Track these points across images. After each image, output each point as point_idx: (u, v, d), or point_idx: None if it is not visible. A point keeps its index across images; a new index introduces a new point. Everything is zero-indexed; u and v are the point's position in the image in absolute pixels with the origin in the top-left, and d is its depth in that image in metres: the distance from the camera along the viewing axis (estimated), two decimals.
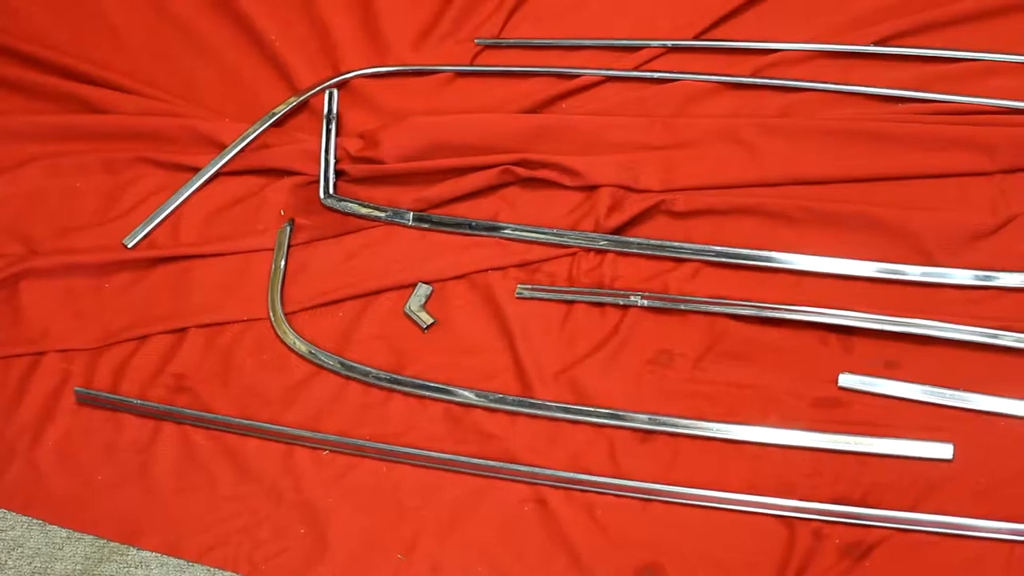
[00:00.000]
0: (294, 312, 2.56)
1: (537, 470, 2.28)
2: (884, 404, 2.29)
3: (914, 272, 2.44)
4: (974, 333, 2.32)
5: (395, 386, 2.43)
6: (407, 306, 2.52)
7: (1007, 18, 2.68)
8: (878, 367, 2.32)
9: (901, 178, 2.54)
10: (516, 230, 2.59)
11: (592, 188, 2.60)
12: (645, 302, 2.44)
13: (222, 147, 2.77)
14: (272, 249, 2.64)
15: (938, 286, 2.43)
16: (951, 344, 2.33)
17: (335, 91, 2.79)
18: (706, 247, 2.50)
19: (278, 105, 2.82)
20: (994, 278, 2.40)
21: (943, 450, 2.22)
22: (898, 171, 2.54)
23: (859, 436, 2.25)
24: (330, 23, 2.89)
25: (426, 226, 2.64)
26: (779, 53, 2.70)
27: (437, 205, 2.67)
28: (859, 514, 2.17)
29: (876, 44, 2.68)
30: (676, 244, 2.52)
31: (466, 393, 2.39)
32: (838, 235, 2.49)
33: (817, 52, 2.69)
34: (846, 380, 2.31)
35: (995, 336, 2.31)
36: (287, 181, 2.74)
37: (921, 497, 2.18)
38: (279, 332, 2.53)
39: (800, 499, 2.19)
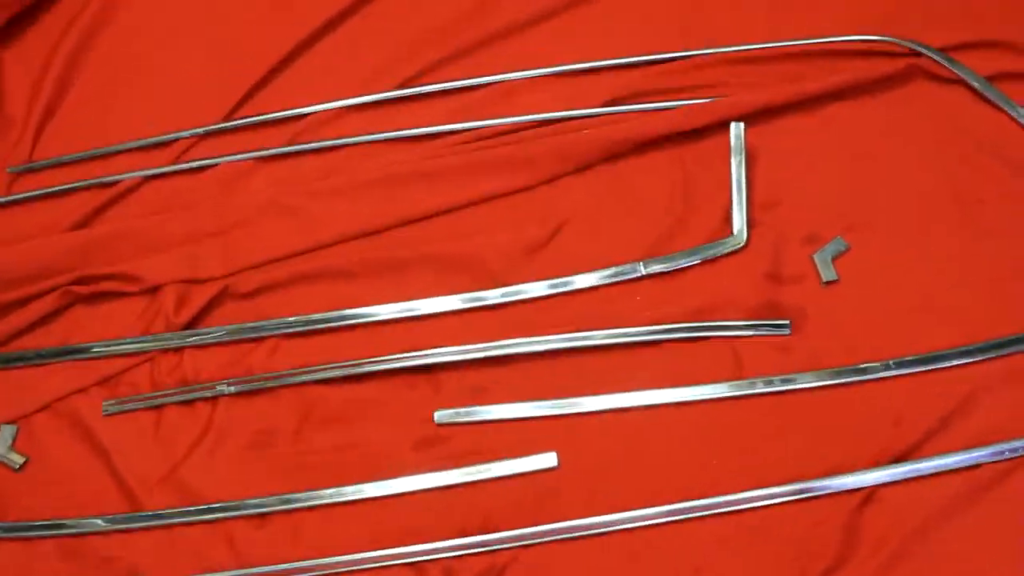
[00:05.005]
0: None
1: None
2: (483, 430, 2.34)
3: (493, 295, 2.48)
4: (554, 341, 2.38)
5: None
6: None
7: (516, 39, 2.75)
8: (467, 396, 2.37)
9: (455, 209, 2.58)
10: (90, 348, 2.53)
11: (156, 289, 2.57)
12: (232, 388, 2.43)
13: None
14: None
15: (519, 303, 2.48)
16: (535, 357, 2.39)
17: None
18: (280, 320, 2.49)
19: None
20: (568, 283, 2.47)
21: (548, 460, 2.28)
22: (450, 203, 2.58)
23: (466, 467, 2.29)
24: None
25: None
26: (311, 116, 2.70)
27: (3, 343, 2.57)
28: (483, 541, 2.22)
29: (401, 87, 2.72)
30: (250, 324, 2.50)
31: (75, 523, 2.33)
32: (406, 279, 2.51)
33: (346, 108, 2.71)
34: (440, 416, 2.35)
35: (586, 339, 2.38)
36: None
37: (538, 509, 2.24)
38: None
39: (425, 542, 2.22)
